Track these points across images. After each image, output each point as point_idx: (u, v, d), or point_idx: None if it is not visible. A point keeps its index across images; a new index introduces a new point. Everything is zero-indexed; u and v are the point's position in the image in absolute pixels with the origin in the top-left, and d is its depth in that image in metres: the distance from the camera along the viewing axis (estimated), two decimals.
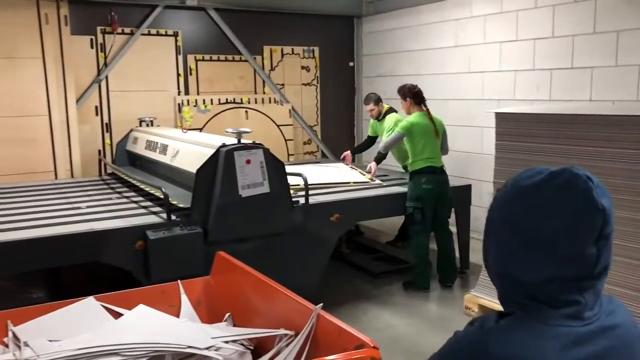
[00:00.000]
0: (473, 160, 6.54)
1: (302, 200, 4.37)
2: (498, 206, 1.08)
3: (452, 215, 5.20)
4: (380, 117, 6.04)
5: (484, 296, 4.29)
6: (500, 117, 4.36)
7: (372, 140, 6.33)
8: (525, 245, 1.02)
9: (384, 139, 5.64)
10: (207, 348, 2.25)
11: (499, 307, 1.10)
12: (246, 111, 7.45)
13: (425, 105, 5.02)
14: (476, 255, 5.46)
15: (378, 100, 6.02)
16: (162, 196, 3.97)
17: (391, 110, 6.06)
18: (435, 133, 4.96)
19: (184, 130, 5.27)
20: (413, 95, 4.98)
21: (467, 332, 1.06)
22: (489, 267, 1.11)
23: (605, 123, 3.69)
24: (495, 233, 1.08)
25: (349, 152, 6.26)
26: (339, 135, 8.51)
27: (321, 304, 2.16)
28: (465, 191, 5.40)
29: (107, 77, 6.71)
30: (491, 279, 1.12)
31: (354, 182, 5.30)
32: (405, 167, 5.77)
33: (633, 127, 3.53)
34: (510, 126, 4.27)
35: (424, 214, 4.85)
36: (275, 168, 4.14)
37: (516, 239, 1.03)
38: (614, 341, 1.02)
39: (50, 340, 2.31)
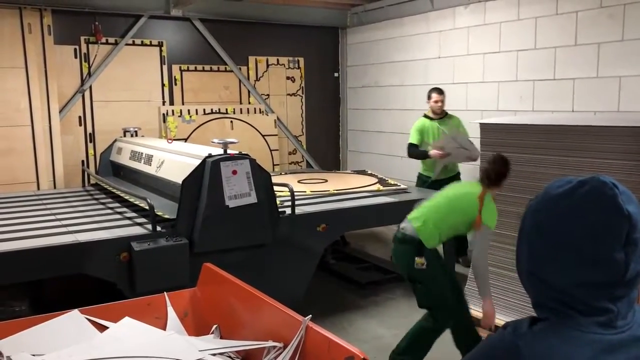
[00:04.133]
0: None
1: (288, 211, 4.37)
2: (530, 214, 1.12)
3: None
4: (440, 115, 5.80)
5: (469, 305, 4.28)
6: (485, 128, 4.41)
7: (417, 148, 5.76)
8: (555, 249, 1.06)
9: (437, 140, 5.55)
10: None
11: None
12: (231, 121, 7.43)
13: None
14: (462, 265, 5.48)
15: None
16: (147, 207, 3.94)
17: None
18: None
19: (169, 141, 5.24)
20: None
21: (500, 336, 1.09)
22: (522, 274, 1.15)
23: (587, 133, 3.75)
24: (527, 239, 1.12)
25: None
26: (324, 145, 8.53)
27: (310, 315, 2.14)
28: None
29: (90, 87, 6.67)
30: (524, 285, 1.16)
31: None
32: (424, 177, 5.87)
33: (614, 138, 3.59)
34: (494, 136, 4.32)
35: None
36: (261, 178, 4.13)
37: (547, 244, 1.08)
38: None
39: (33, 355, 2.26)
